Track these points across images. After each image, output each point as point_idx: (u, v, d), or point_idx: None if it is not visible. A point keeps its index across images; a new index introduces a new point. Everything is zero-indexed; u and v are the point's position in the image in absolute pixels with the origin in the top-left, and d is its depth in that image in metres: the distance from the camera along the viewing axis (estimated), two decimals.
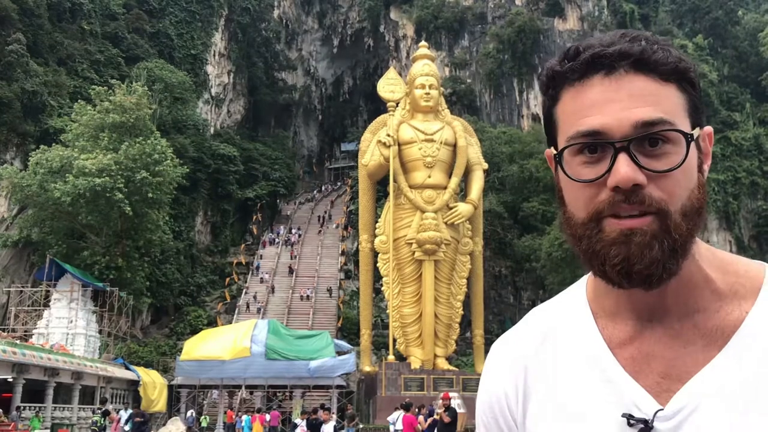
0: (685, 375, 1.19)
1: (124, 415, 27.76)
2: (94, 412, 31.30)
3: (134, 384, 40.04)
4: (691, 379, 1.18)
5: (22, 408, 30.59)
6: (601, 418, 1.21)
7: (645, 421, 1.16)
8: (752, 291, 1.24)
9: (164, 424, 32.90)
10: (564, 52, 1.26)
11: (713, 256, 1.28)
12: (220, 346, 37.96)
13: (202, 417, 38.76)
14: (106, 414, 27.55)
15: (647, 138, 1.16)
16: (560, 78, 1.24)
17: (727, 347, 1.19)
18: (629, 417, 1.17)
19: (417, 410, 23.33)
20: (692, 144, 1.18)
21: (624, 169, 1.14)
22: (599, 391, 1.23)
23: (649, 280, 1.16)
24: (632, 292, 1.22)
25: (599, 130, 1.17)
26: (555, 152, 1.26)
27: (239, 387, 41.18)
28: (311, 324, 51.36)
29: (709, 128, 1.26)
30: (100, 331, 41.42)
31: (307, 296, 56.40)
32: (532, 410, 1.32)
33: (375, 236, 37.89)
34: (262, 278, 60.38)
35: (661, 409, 1.17)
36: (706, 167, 1.24)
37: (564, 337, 1.33)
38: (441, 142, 37.26)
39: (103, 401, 30.33)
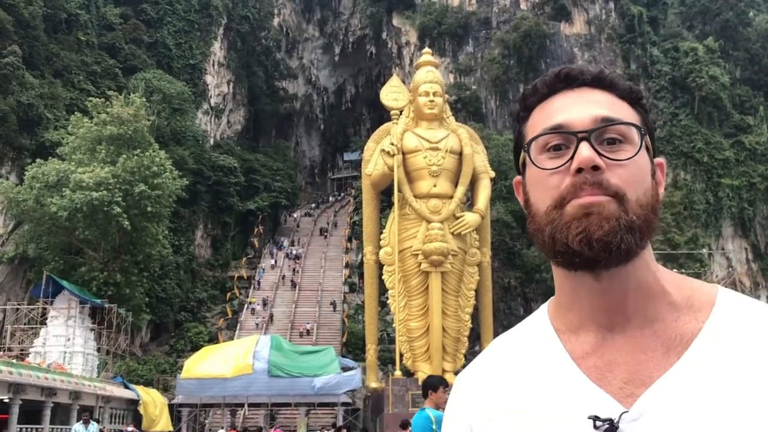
0: (648, 380, 1.25)
1: None
2: None
3: (133, 403, 39.37)
4: (655, 383, 1.24)
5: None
6: (567, 425, 1.25)
7: (611, 421, 1.21)
8: (707, 304, 1.33)
9: None
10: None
11: (670, 275, 1.38)
12: (221, 363, 37.27)
13: None
14: None
15: (606, 138, 1.30)
16: (532, 96, 1.41)
17: (687, 353, 1.26)
18: (595, 418, 1.22)
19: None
20: (644, 142, 1.32)
21: (585, 152, 1.27)
22: (565, 400, 1.28)
23: (608, 249, 1.24)
24: (594, 298, 1.32)
25: (562, 123, 1.32)
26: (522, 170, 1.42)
27: (242, 405, 40.35)
28: (315, 339, 50.54)
29: (661, 159, 1.40)
30: (98, 349, 40.85)
31: (307, 331, 53.93)
32: None
33: (380, 248, 36.99)
34: (254, 308, 57.84)
35: (626, 412, 1.22)
36: (661, 190, 1.36)
37: (527, 355, 1.38)
38: (446, 151, 36.35)
39: (96, 421, 29.70)
